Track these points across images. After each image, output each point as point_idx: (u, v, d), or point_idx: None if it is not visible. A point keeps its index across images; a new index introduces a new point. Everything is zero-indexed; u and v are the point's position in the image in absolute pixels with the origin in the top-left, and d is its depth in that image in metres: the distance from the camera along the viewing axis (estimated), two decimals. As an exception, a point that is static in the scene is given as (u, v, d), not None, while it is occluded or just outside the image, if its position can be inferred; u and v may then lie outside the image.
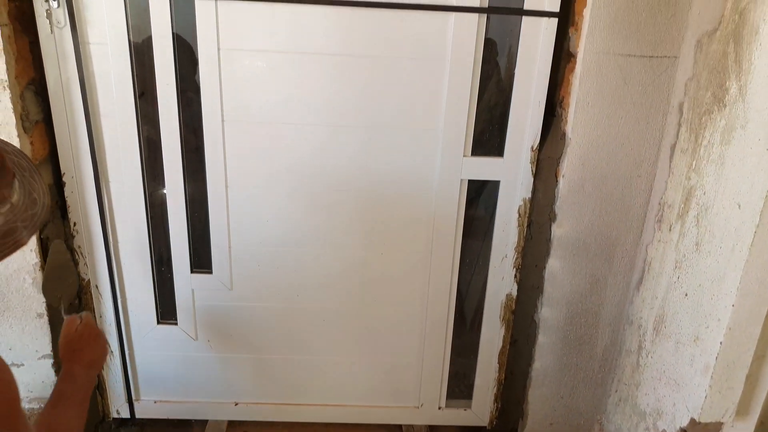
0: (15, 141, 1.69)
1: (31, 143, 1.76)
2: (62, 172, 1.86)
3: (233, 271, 2.04)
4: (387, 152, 1.90)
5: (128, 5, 1.71)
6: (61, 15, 1.70)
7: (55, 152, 1.85)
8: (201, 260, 2.04)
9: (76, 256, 1.99)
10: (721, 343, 1.47)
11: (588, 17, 1.64)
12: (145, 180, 1.91)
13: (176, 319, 2.12)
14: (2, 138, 1.16)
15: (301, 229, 1.99)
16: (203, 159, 1.88)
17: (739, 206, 1.39)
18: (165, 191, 1.93)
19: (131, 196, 1.92)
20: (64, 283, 1.87)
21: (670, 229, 1.69)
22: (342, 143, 1.88)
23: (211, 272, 2.04)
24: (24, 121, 1.72)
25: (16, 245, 1.04)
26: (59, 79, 1.77)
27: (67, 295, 1.89)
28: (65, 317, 1.55)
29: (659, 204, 1.76)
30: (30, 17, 1.71)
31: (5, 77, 1.64)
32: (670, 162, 1.70)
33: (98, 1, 1.70)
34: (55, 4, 1.68)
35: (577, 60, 1.69)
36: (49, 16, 1.69)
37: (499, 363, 2.23)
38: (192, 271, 2.04)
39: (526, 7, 1.74)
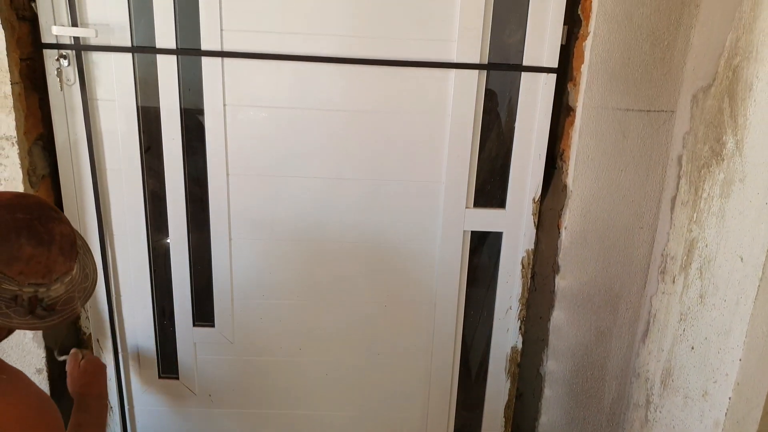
0: (21, 196, 1.71)
1: (37, 198, 1.77)
2: (67, 226, 1.88)
3: (235, 324, 2.02)
4: (390, 205, 1.92)
5: (136, 63, 1.76)
6: (71, 73, 1.75)
7: (60, 206, 1.87)
8: (203, 313, 2.02)
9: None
10: (729, 398, 1.45)
11: (586, 73, 1.68)
12: (149, 233, 1.92)
13: (177, 373, 2.09)
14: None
15: (304, 281, 1.99)
16: (207, 211, 1.90)
17: (742, 259, 1.40)
18: (168, 243, 1.94)
19: (135, 249, 1.93)
20: (62, 333, 1.88)
21: (673, 281, 1.69)
22: (345, 196, 1.90)
23: (213, 326, 2.02)
24: (31, 176, 1.74)
25: (73, 313, 1.22)
26: (67, 135, 1.80)
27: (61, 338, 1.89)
28: (59, 358, 1.64)
29: (662, 255, 1.76)
30: (41, 75, 1.75)
31: (14, 134, 1.67)
32: (672, 214, 1.71)
33: (107, 60, 1.75)
34: (65, 63, 1.73)
35: (577, 114, 1.73)
36: (59, 74, 1.74)
37: (505, 417, 2.19)
38: (194, 325, 2.02)
39: (525, 63, 1.79)
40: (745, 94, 1.39)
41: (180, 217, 1.90)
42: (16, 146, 1.68)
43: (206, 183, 1.87)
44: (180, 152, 1.83)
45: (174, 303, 2.00)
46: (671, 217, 1.71)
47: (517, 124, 1.85)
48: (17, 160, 1.69)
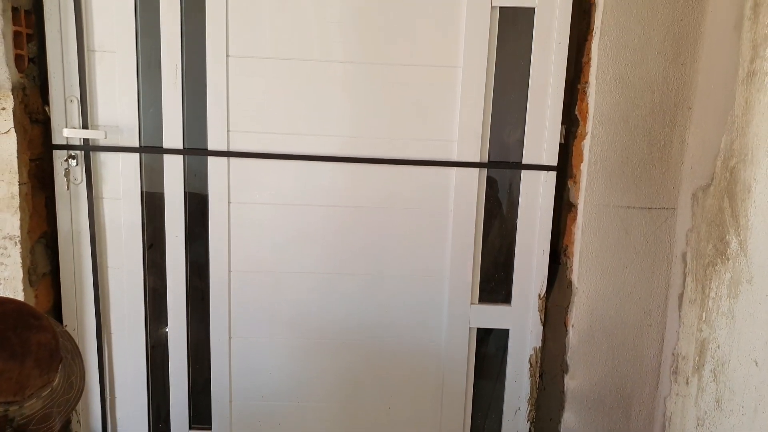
0: (19, 294, 1.69)
1: (36, 296, 1.75)
2: (64, 325, 1.84)
3: (233, 427, 1.94)
4: (392, 302, 1.89)
5: (143, 162, 1.80)
6: (78, 172, 1.78)
7: (58, 305, 1.84)
8: (200, 415, 1.95)
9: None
10: None
11: (585, 171, 1.71)
12: (148, 331, 1.88)
13: (170, 480, 1.98)
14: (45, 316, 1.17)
15: (304, 382, 1.93)
16: (208, 308, 1.87)
17: (756, 363, 1.36)
18: (167, 340, 1.89)
19: (132, 348, 1.88)
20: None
21: (687, 383, 1.63)
22: (346, 292, 1.88)
23: (210, 428, 1.94)
24: (31, 275, 1.73)
25: None
26: (70, 233, 1.80)
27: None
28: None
29: (673, 355, 1.71)
30: (48, 174, 1.78)
31: (18, 233, 1.67)
32: (680, 311, 1.68)
33: (115, 159, 1.78)
34: (74, 163, 1.76)
35: (578, 211, 1.74)
36: (67, 173, 1.77)
37: None
38: (190, 428, 1.94)
39: (525, 161, 1.82)
40: (745, 195, 1.40)
41: (180, 314, 1.87)
42: (19, 245, 1.67)
43: (207, 279, 1.85)
44: (183, 250, 1.83)
45: (170, 404, 1.92)
46: (680, 315, 1.68)
47: (519, 220, 1.86)
48: (18, 260, 1.68)
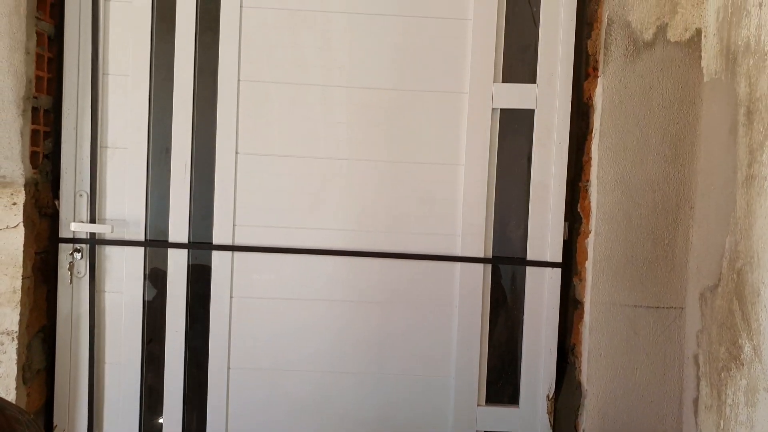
0: (11, 393, 1.64)
1: (28, 394, 1.70)
2: (54, 425, 1.77)
3: None
4: (394, 401, 1.83)
5: (147, 256, 1.80)
6: (82, 265, 1.78)
7: (50, 402, 1.78)
8: None
9: None
10: None
11: (591, 270, 1.70)
12: (142, 429, 1.81)
13: None
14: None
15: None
16: (205, 404, 1.81)
17: (782, 478, 1.28)
18: (160, 442, 1.82)
19: (123, 448, 1.81)
20: None
21: (708, 496, 1.54)
22: (345, 390, 1.82)
23: None
24: (25, 372, 1.68)
25: None
26: (69, 327, 1.78)
27: None
28: None
29: (691, 464, 1.63)
30: (52, 267, 1.78)
31: (16, 328, 1.65)
32: (696, 419, 1.61)
33: (120, 253, 1.79)
34: (78, 256, 1.77)
35: (585, 310, 1.71)
36: (71, 267, 1.77)
37: None
38: None
39: (530, 257, 1.82)
40: (754, 299, 1.38)
41: (176, 410, 1.81)
42: (16, 341, 1.64)
43: (206, 374, 1.80)
44: (182, 345, 1.80)
45: None
46: (696, 422, 1.61)
47: (525, 317, 1.83)
48: (14, 356, 1.64)
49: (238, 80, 1.79)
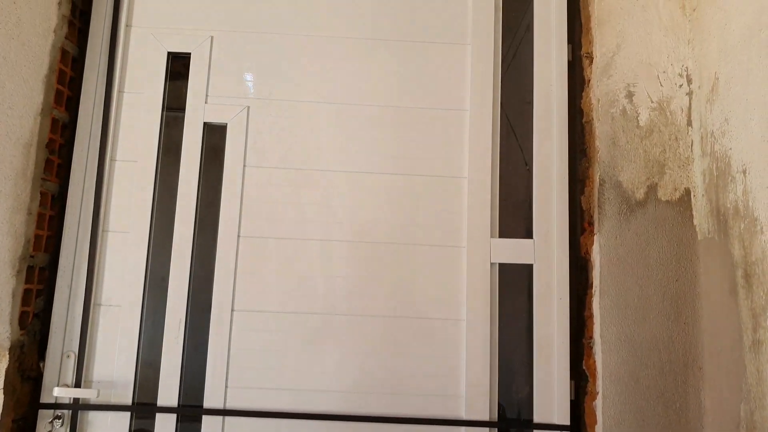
0: None
1: None
2: None
3: None
4: None
5: (134, 420, 1.70)
6: (62, 432, 1.67)
7: None
8: None
9: None
10: None
11: (601, 435, 1.62)
12: None
13: None
14: None
15: None
16: None
17: None
18: None
19: None
20: None
21: None
22: None
23: None
24: None
25: None
26: (41, 504, 1.63)
27: None
28: None
29: None
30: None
31: None
32: None
33: (104, 419, 1.69)
34: (59, 424, 1.66)
35: (598, 480, 1.61)
36: (50, 434, 1.66)
37: None
38: None
39: (537, 419, 1.74)
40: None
41: None
42: None
43: None
44: None
45: None
46: None
47: (534, 485, 1.71)
48: None
49: (238, 236, 1.80)
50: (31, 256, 1.69)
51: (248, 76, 1.89)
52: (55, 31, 1.77)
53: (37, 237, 1.71)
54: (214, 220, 1.82)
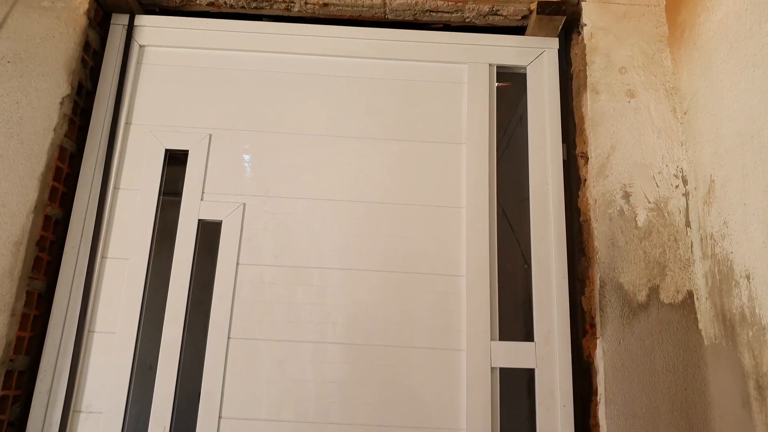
0: None
1: None
2: None
3: None
4: None
5: None
6: None
7: None
8: None
9: None
10: None
11: None
12: None
13: None
14: None
15: None
16: None
17: None
18: None
19: None
20: None
21: None
22: None
23: None
24: None
25: None
26: None
27: None
28: None
29: None
30: None
31: None
32: None
33: None
34: None
35: None
36: None
37: None
38: None
39: None
40: None
41: None
42: None
43: None
44: None
45: None
46: None
47: None
48: None
49: (228, 338, 1.74)
50: (11, 360, 1.62)
51: (245, 173, 1.89)
52: (55, 130, 1.78)
53: (18, 339, 1.65)
54: (205, 320, 1.76)
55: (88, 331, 1.73)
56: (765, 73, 1.49)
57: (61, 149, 1.81)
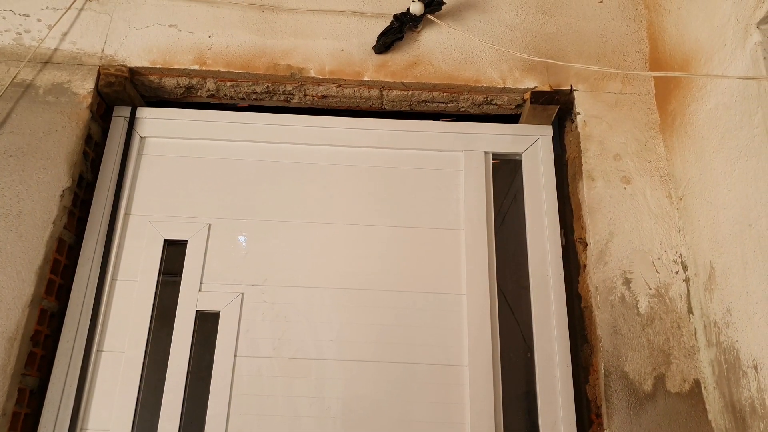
0: None
1: None
2: None
3: None
4: None
5: None
6: None
7: None
8: None
9: None
10: None
11: None
12: None
13: None
14: None
15: None
16: None
17: None
18: None
19: None
20: None
21: None
22: None
23: None
24: None
25: None
26: None
27: None
28: None
29: None
30: None
31: None
32: None
33: None
34: None
35: None
36: None
37: None
38: None
39: None
40: None
41: None
42: None
43: None
44: None
45: None
46: None
47: None
48: None
49: (225, 435, 1.68)
50: (-2, 465, 1.56)
51: (244, 262, 1.88)
52: (54, 222, 1.78)
53: (8, 441, 1.59)
54: (201, 414, 1.71)
55: (81, 429, 1.67)
56: (758, 163, 1.51)
57: (60, 241, 1.81)
